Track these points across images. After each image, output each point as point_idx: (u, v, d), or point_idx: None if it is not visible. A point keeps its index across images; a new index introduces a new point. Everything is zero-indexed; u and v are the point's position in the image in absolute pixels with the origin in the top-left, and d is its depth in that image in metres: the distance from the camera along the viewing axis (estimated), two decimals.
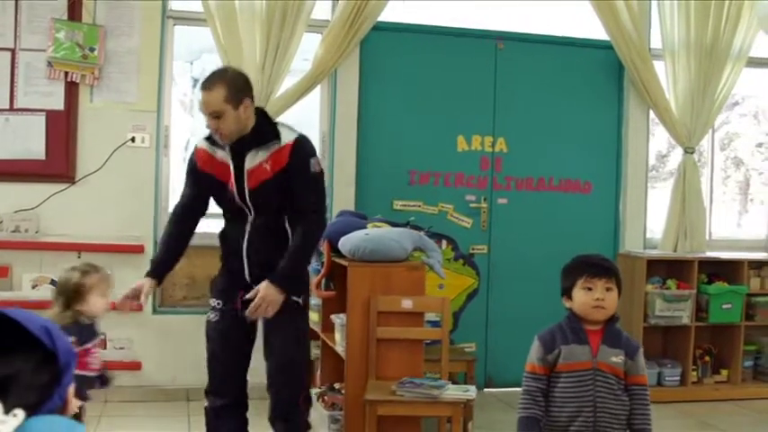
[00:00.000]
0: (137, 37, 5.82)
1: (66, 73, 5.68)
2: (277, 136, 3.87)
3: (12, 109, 5.67)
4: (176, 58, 6.15)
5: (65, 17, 5.65)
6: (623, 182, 6.70)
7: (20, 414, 1.24)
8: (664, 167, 7.44)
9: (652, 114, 6.73)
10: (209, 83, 3.81)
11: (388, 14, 6.19)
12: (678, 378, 6.32)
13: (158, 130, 5.90)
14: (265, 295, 3.73)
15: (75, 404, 1.49)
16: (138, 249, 5.76)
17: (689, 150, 6.70)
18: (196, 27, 6.04)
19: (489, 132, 6.45)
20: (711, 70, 6.65)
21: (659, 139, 7.10)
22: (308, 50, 6.10)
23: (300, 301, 3.94)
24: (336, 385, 4.99)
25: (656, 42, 6.68)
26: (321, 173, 3.98)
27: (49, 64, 5.65)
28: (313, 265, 5.13)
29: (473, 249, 6.39)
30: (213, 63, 6.41)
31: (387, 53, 6.28)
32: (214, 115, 3.78)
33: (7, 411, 1.26)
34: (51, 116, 5.69)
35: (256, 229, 3.93)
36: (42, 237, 5.68)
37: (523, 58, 6.51)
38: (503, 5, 6.49)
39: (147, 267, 5.77)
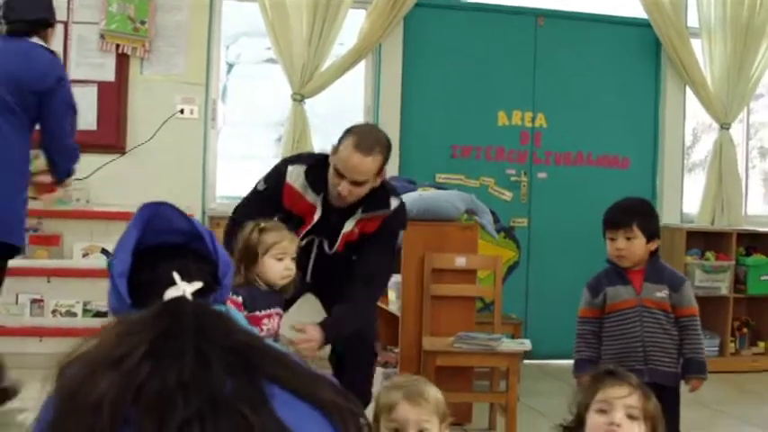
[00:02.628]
0: (186, 11, 5.94)
1: (118, 45, 5.80)
2: (388, 205, 3.62)
3: None
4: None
5: None
6: (660, 157, 6.79)
7: (199, 283, 1.32)
8: (688, 158, 7.47)
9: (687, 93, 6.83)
10: (369, 147, 3.45)
11: None
12: (717, 349, 6.39)
13: (206, 102, 6.01)
14: (314, 340, 3.42)
15: None
16: None
17: (725, 126, 6.78)
18: (244, 3, 6.15)
19: (529, 108, 6.56)
20: (747, 48, 6.74)
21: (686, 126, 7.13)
22: (346, 34, 6.20)
23: None
24: (388, 347, 5.09)
25: (692, 21, 6.77)
26: (401, 248, 3.87)
27: (102, 36, 5.77)
28: None
29: (513, 222, 6.49)
30: (251, 47, 6.56)
31: (430, 29, 6.39)
32: (356, 183, 3.46)
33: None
34: (103, 87, 5.81)
35: (322, 256, 3.70)
36: (93, 206, 5.77)
37: (563, 35, 6.61)
38: None
39: None
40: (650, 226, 3.43)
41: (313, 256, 3.66)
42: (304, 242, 3.56)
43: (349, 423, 1.19)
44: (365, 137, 3.50)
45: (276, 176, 3.71)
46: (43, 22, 4.17)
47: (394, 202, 3.65)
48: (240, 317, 1.50)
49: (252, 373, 1.15)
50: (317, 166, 3.63)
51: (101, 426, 1.07)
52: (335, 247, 3.61)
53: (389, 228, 3.64)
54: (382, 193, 3.63)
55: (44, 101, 4.06)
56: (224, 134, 6.42)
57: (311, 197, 3.60)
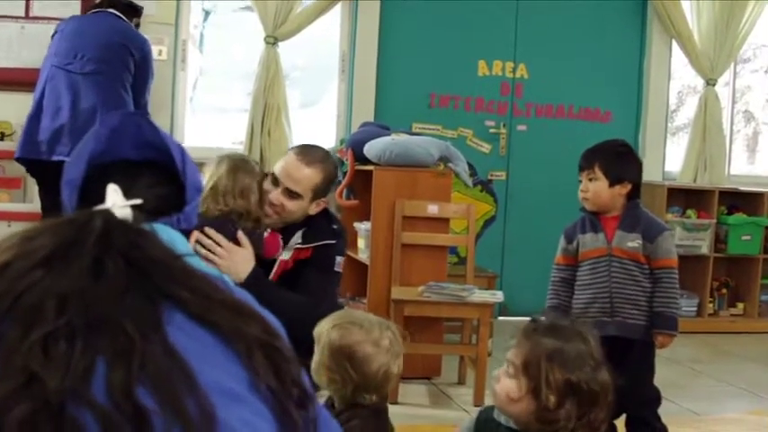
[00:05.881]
0: None
1: None
2: (331, 234, 3.28)
3: (27, 17, 5.55)
4: None
5: None
6: (643, 111, 6.64)
7: (138, 199, 1.17)
8: (672, 122, 7.33)
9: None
10: (309, 156, 3.24)
11: None
12: (695, 309, 6.29)
13: (176, 43, 5.79)
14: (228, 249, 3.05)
15: None
16: None
17: (711, 83, 6.64)
18: None
19: (510, 58, 6.37)
20: (735, 3, 6.57)
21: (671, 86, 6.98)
22: None
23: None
24: (356, 297, 4.95)
25: None
26: (340, 275, 3.38)
27: None
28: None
29: (491, 175, 6.33)
30: None
31: None
32: (289, 193, 3.20)
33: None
34: None
35: None
36: None
37: None
38: None
39: None
40: (615, 168, 3.30)
41: None
42: None
43: (256, 354, 1.02)
44: (310, 150, 3.32)
45: None
46: None
47: (336, 231, 3.34)
48: (181, 240, 1.32)
49: (152, 293, 1.00)
50: None
51: None
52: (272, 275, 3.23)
53: (327, 252, 3.27)
54: (324, 221, 3.33)
55: None
56: (200, 85, 6.23)
57: None
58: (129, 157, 1.39)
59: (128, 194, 1.18)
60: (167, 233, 1.23)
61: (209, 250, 2.95)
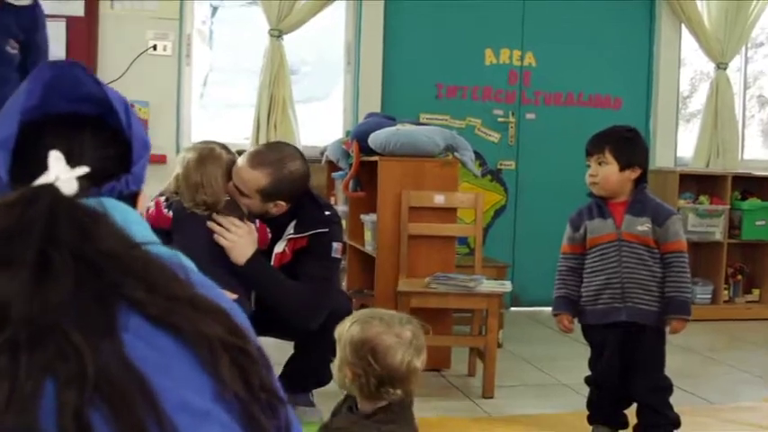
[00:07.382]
0: None
1: None
2: (324, 222, 3.32)
3: None
4: None
5: None
6: (654, 97, 6.55)
7: (84, 168, 1.04)
8: (686, 109, 7.25)
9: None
10: (257, 159, 3.23)
11: None
12: (710, 296, 6.20)
13: (181, 38, 5.76)
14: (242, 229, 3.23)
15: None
16: (161, 159, 5.63)
17: (721, 66, 6.54)
18: None
19: (518, 46, 6.30)
20: None
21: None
22: None
23: None
24: (365, 290, 4.91)
25: None
26: (340, 261, 3.47)
27: None
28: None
29: (501, 165, 6.27)
30: None
31: None
32: (237, 189, 3.24)
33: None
34: (71, 22, 5.53)
35: None
36: None
37: None
38: None
39: (170, 178, 5.71)
40: (626, 152, 3.25)
41: None
42: None
43: (222, 359, 0.93)
44: (264, 152, 3.30)
45: None
46: None
47: (328, 218, 3.37)
48: (137, 219, 1.21)
49: (105, 293, 0.90)
50: None
51: None
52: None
53: (322, 239, 3.32)
54: (315, 209, 3.34)
55: None
56: (210, 81, 6.20)
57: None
58: (66, 111, 1.24)
59: (71, 159, 1.06)
60: (121, 212, 1.11)
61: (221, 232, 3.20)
